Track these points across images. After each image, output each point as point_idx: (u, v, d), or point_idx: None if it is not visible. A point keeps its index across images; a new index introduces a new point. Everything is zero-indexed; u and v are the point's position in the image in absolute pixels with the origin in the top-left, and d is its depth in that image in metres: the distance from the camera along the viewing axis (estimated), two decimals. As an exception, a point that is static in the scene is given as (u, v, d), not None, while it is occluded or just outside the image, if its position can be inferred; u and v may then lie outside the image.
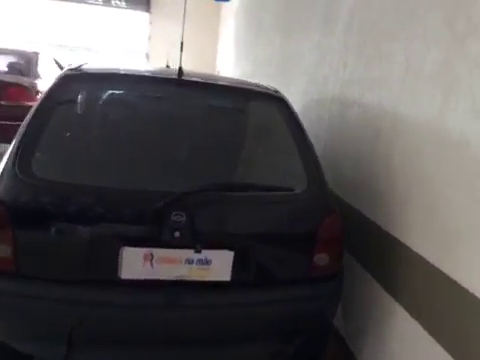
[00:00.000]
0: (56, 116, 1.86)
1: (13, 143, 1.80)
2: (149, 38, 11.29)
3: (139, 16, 10.85)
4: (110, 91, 2.04)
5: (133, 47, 11.47)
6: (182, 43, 2.19)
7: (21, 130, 1.81)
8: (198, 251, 1.72)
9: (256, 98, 2.21)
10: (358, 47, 2.67)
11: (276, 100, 2.19)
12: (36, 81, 6.27)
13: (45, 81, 6.53)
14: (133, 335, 1.79)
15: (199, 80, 2.23)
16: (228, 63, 8.96)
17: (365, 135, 2.46)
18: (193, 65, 7.55)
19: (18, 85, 6.09)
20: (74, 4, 10.79)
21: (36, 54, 6.95)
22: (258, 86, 2.32)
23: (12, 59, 6.75)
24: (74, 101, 1.95)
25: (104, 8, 10.45)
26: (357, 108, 2.61)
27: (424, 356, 1.83)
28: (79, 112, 1.93)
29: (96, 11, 10.71)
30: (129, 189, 1.74)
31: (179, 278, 1.76)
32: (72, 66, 2.12)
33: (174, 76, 2.08)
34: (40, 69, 6.71)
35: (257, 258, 1.83)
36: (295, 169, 2.00)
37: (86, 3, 10.65)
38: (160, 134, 1.96)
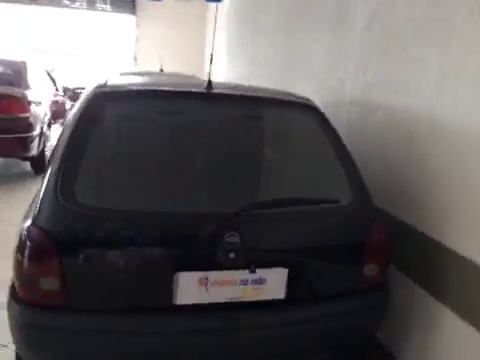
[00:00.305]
0: (94, 137, 1.79)
1: (51, 168, 1.72)
2: (136, 40, 11.17)
3: (125, 19, 10.70)
4: (146, 108, 1.97)
5: (120, 50, 11.33)
6: (212, 55, 2.13)
7: (58, 154, 1.74)
8: (253, 271, 1.68)
9: (290, 108, 2.17)
10: (381, 50, 2.64)
11: (310, 109, 2.15)
12: (27, 92, 6.12)
13: (35, 91, 6.40)
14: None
15: (233, 93, 2.17)
16: (219, 65, 8.89)
17: (396, 139, 2.43)
18: (181, 68, 7.45)
19: (11, 97, 5.92)
20: (58, 9, 10.59)
21: (24, 63, 6.78)
22: (290, 95, 2.27)
23: (0, 69, 6.57)
24: (110, 121, 1.88)
25: (89, 12, 10.25)
26: (383, 111, 2.59)
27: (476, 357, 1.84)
28: (117, 132, 1.87)
29: (81, 15, 10.51)
30: (179, 212, 1.68)
31: (234, 300, 1.71)
32: (101, 83, 2.05)
33: (204, 89, 2.03)
34: (29, 79, 6.56)
35: (310, 273, 1.80)
36: (338, 180, 1.97)
37: (70, 8, 10.46)
38: (202, 152, 1.91)
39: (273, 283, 1.74)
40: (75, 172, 1.68)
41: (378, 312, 1.97)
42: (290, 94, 2.30)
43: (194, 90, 2.05)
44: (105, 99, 1.93)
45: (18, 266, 1.62)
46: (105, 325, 1.62)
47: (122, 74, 6.26)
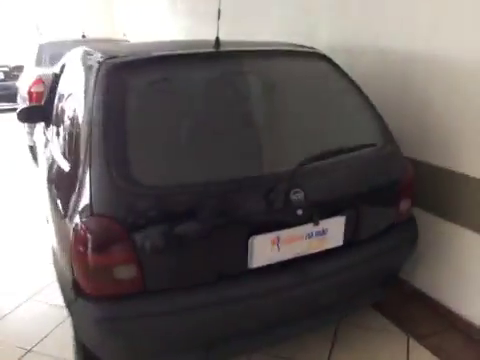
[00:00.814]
0: (131, 113, 1.67)
1: (92, 152, 1.59)
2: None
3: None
4: (168, 77, 1.85)
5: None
6: (219, 10, 2.03)
7: (98, 135, 1.60)
8: (317, 224, 1.72)
9: (305, 59, 2.18)
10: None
11: (323, 58, 2.17)
12: None
13: None
14: (268, 321, 1.78)
15: (252, 49, 2.13)
16: (138, 24, 8.44)
17: (390, 81, 2.52)
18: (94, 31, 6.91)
19: None
20: None
21: None
22: (297, 46, 2.27)
23: None
24: (139, 93, 1.75)
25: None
26: (371, 55, 2.66)
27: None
28: (152, 104, 1.74)
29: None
30: (241, 177, 1.65)
31: (301, 254, 1.76)
32: (108, 56, 1.88)
33: (213, 49, 1.96)
34: None
35: (361, 216, 1.88)
36: (368, 124, 2.04)
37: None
38: (240, 114, 1.86)
39: (333, 232, 1.80)
40: (126, 153, 1.57)
41: (413, 241, 2.12)
42: (296, 45, 2.29)
43: (212, 51, 1.96)
44: (124, 71, 1.79)
45: (83, 261, 1.51)
46: (186, 302, 1.59)
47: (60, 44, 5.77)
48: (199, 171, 1.64)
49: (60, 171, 1.97)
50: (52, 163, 2.25)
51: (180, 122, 1.75)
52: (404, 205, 2.05)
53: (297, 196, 1.66)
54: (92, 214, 1.51)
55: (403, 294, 2.54)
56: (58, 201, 1.87)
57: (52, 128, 2.48)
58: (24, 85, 5.68)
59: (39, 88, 5.16)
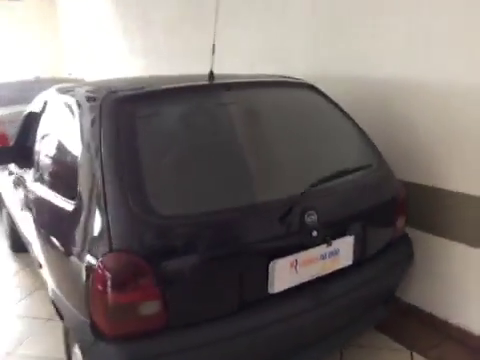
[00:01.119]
0: (141, 145, 1.65)
1: (106, 187, 1.55)
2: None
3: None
4: (171, 109, 1.87)
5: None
6: (214, 45, 2.09)
7: (112, 170, 1.57)
8: (330, 244, 1.76)
9: (297, 89, 2.26)
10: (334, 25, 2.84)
11: (311, 88, 2.26)
12: None
13: None
14: (289, 346, 1.77)
15: (244, 80, 2.19)
16: (88, 63, 8.39)
17: (370, 105, 2.66)
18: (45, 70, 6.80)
19: None
20: None
21: None
22: (285, 77, 2.36)
23: None
24: (146, 125, 1.74)
25: None
26: (348, 82, 2.80)
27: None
28: (160, 136, 1.74)
29: None
30: (256, 202, 1.66)
31: (316, 276, 1.77)
32: (109, 91, 1.87)
33: (206, 81, 2.01)
34: None
35: (367, 235, 1.93)
36: (361, 147, 2.14)
37: None
38: (244, 142, 1.89)
39: (344, 252, 1.84)
40: (141, 185, 1.55)
41: (411, 256, 2.20)
42: (284, 76, 2.38)
43: (215, 83, 2.00)
44: (129, 104, 1.78)
45: (104, 300, 1.44)
46: (210, 335, 1.55)
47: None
48: (215, 199, 1.63)
49: (57, 210, 1.88)
50: (41, 204, 2.15)
51: (190, 152, 1.75)
52: (400, 222, 2.14)
53: (311, 218, 1.69)
54: (111, 250, 1.46)
55: (398, 310, 2.60)
56: (59, 241, 1.79)
57: (37, 168, 2.38)
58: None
59: (-6, 130, 4.95)
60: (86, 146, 1.74)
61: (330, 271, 1.81)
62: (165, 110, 1.85)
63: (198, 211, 1.57)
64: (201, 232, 1.55)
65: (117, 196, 1.51)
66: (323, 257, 1.77)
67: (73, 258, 1.61)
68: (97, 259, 1.47)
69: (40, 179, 2.30)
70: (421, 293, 2.55)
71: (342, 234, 1.82)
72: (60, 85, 2.60)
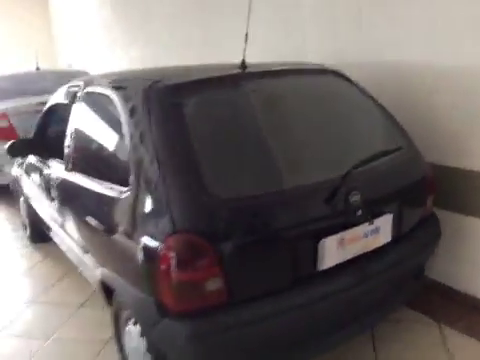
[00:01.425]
0: (192, 132, 1.72)
1: (165, 172, 1.62)
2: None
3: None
4: (213, 96, 1.92)
5: None
6: (246, 34, 2.15)
7: (171, 155, 1.64)
8: (371, 223, 1.84)
9: (323, 75, 2.33)
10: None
11: (338, 74, 2.33)
12: None
13: None
14: (337, 320, 1.86)
15: (278, 68, 2.26)
16: (86, 54, 8.34)
17: (388, 92, 2.73)
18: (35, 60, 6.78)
19: None
20: None
21: None
22: (312, 64, 2.44)
23: None
24: (193, 112, 1.80)
25: None
26: (364, 68, 2.87)
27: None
28: (207, 123, 1.80)
29: None
30: (306, 184, 1.74)
31: (359, 253, 1.86)
32: (152, 81, 1.93)
33: (239, 70, 2.09)
34: None
35: (402, 214, 2.02)
36: (391, 129, 2.22)
37: None
38: (287, 127, 1.96)
39: (384, 229, 1.92)
40: (199, 169, 1.62)
41: (439, 234, 2.30)
42: (309, 63, 2.45)
43: (251, 71, 2.07)
44: (176, 93, 1.85)
45: (171, 279, 1.52)
46: (268, 309, 1.63)
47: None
48: (265, 181, 1.71)
49: (106, 197, 1.94)
50: (82, 193, 2.21)
51: (237, 137, 1.82)
52: (429, 201, 2.23)
53: (355, 198, 1.77)
54: (175, 232, 1.53)
55: (423, 287, 2.71)
56: (113, 226, 1.85)
57: (70, 159, 2.42)
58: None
59: (3, 123, 4.94)
60: (135, 135, 1.80)
61: (371, 248, 1.90)
62: (208, 98, 1.91)
63: (251, 193, 1.65)
64: (256, 213, 1.63)
65: (177, 181, 1.58)
66: (366, 235, 1.85)
67: (133, 241, 1.67)
68: (162, 240, 1.54)
69: (76, 169, 2.35)
70: (445, 270, 2.66)
71: (381, 213, 1.90)
72: (87, 77, 2.64)
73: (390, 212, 1.93)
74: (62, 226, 2.62)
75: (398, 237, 2.02)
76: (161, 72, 2.33)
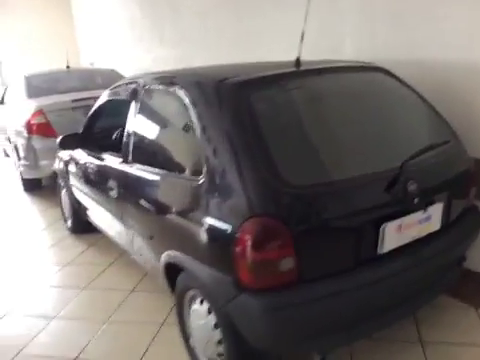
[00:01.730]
0: (263, 123, 1.86)
1: (242, 161, 1.77)
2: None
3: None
4: (276, 91, 2.08)
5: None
6: (303, 33, 2.29)
7: (247, 146, 1.79)
8: (425, 210, 1.98)
9: (372, 72, 2.47)
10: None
11: (385, 72, 2.47)
12: None
13: None
14: (394, 297, 2.00)
15: (331, 65, 2.42)
16: (109, 52, 8.52)
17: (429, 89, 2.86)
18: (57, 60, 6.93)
19: None
20: None
21: None
22: (361, 62, 2.57)
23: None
24: (261, 106, 1.95)
25: None
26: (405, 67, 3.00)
27: None
28: (274, 115, 1.95)
29: None
30: (368, 173, 1.88)
31: (414, 238, 2.00)
32: (219, 78, 2.09)
33: (314, 67, 2.33)
34: None
35: (450, 203, 2.15)
36: (438, 124, 2.35)
37: None
38: (348, 119, 2.11)
39: (435, 217, 2.06)
40: (272, 158, 1.76)
41: (479, 224, 2.43)
42: (358, 61, 2.59)
43: (308, 68, 2.23)
44: (244, 88, 1.99)
45: (250, 259, 1.66)
46: (334, 287, 1.77)
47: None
48: (334, 169, 1.86)
49: (177, 186, 2.11)
50: (149, 183, 2.37)
51: (304, 129, 1.97)
52: (472, 193, 2.36)
53: (413, 187, 1.90)
54: (253, 215, 1.68)
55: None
56: (186, 213, 2.01)
57: (132, 152, 2.59)
58: (16, 118, 5.58)
59: (41, 119, 5.12)
60: (208, 129, 1.94)
61: (424, 234, 2.04)
62: (273, 93, 2.06)
63: (320, 181, 1.79)
64: (324, 199, 1.77)
65: (253, 169, 1.73)
66: (420, 222, 1.99)
67: (211, 225, 1.82)
68: (240, 223, 1.68)
69: (139, 161, 2.51)
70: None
71: (433, 202, 2.04)
72: (144, 75, 2.79)
73: (440, 201, 2.06)
74: (118, 215, 2.77)
75: (446, 225, 2.15)
76: (219, 70, 2.48)
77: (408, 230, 1.95)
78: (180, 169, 2.15)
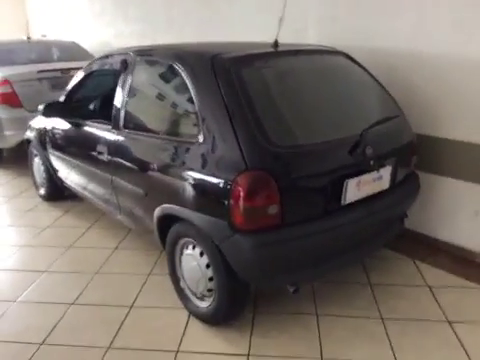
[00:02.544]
0: (252, 93, 2.22)
1: (237, 125, 2.12)
2: None
3: None
4: (262, 67, 2.47)
5: None
6: (281, 18, 2.66)
7: (242, 111, 2.14)
8: (378, 171, 2.45)
9: (336, 56, 2.91)
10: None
11: (344, 54, 2.92)
12: None
13: None
14: (351, 242, 2.47)
15: (303, 48, 2.84)
16: (63, 25, 8.45)
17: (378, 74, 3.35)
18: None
19: None
20: None
21: None
22: (325, 46, 3.01)
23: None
24: (253, 78, 2.32)
25: None
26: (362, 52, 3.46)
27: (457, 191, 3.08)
28: (263, 87, 2.33)
29: None
30: (339, 137, 2.32)
31: (369, 194, 2.46)
32: (213, 53, 2.42)
33: (273, 48, 2.64)
34: None
35: (397, 167, 2.63)
36: (389, 101, 2.83)
37: None
38: (318, 93, 2.54)
39: (385, 178, 2.53)
40: (262, 122, 2.13)
41: (419, 186, 2.95)
42: (323, 46, 3.01)
43: (286, 49, 2.63)
44: (237, 63, 2.36)
45: (243, 204, 2.03)
46: (308, 230, 2.19)
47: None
48: (310, 134, 2.27)
49: (172, 147, 2.43)
50: (138, 146, 2.69)
51: (287, 99, 2.36)
52: (413, 160, 2.87)
53: (370, 151, 2.35)
54: (247, 169, 2.05)
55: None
56: (184, 169, 2.32)
57: (121, 119, 2.87)
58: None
59: (7, 89, 5.15)
60: (205, 97, 2.28)
61: (376, 191, 2.50)
62: (258, 68, 2.45)
63: (301, 142, 2.21)
64: (304, 157, 2.18)
65: (246, 131, 2.09)
66: (374, 180, 2.45)
67: (209, 178, 2.16)
68: (236, 176, 2.05)
69: (132, 127, 2.79)
70: (415, 218, 3.35)
71: (384, 165, 2.50)
72: (136, 47, 3.05)
73: (390, 165, 2.54)
74: (107, 177, 3.03)
75: (393, 186, 2.63)
76: (209, 47, 2.80)
77: (365, 187, 2.40)
78: (176, 133, 2.48)
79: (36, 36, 9.32)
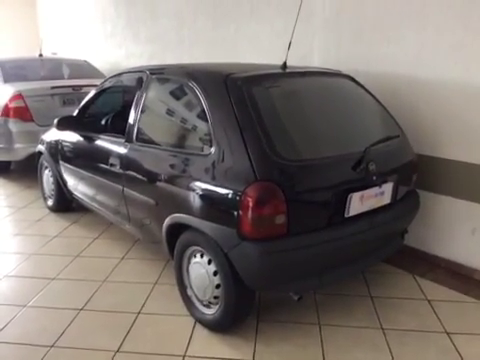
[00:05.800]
0: (262, 111, 2.36)
1: (248, 139, 2.25)
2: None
3: None
4: (272, 87, 2.61)
5: None
6: (290, 43, 2.83)
7: (250, 126, 2.27)
8: (380, 187, 2.56)
9: (340, 78, 3.06)
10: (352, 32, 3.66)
11: (348, 77, 3.07)
12: None
13: None
14: (353, 253, 2.57)
15: (310, 70, 2.99)
16: (75, 44, 8.70)
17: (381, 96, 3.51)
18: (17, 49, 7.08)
19: None
20: None
21: None
22: (330, 69, 3.16)
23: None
24: (263, 97, 2.47)
25: None
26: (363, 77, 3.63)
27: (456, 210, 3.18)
28: (272, 105, 2.47)
29: None
30: (343, 153, 2.44)
31: (371, 208, 2.57)
32: (227, 73, 2.57)
33: (282, 70, 2.80)
34: None
35: (398, 184, 2.75)
36: (390, 121, 2.97)
37: None
38: (324, 111, 2.68)
39: (387, 193, 2.64)
40: (272, 138, 2.26)
41: (419, 203, 3.06)
42: (329, 69, 3.17)
43: (294, 71, 2.79)
44: (248, 82, 2.50)
45: (252, 214, 2.14)
46: (313, 240, 2.29)
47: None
48: (317, 149, 2.41)
49: (183, 160, 2.56)
50: (150, 158, 2.82)
51: (295, 116, 2.50)
52: (414, 178, 2.99)
53: (373, 167, 2.47)
54: (256, 180, 2.17)
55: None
56: (194, 180, 2.44)
57: (135, 132, 3.00)
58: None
59: (19, 103, 5.31)
60: (218, 113, 2.41)
61: (378, 206, 2.61)
62: (268, 87, 2.60)
63: (307, 157, 2.33)
64: (310, 171, 2.30)
65: (256, 145, 2.22)
66: (376, 195, 2.57)
67: (218, 188, 2.27)
68: (246, 186, 2.16)
69: (144, 141, 2.93)
70: (415, 235, 3.44)
71: (386, 181, 2.62)
72: (151, 66, 3.22)
73: (391, 181, 2.65)
74: (118, 188, 3.14)
75: (394, 201, 2.75)
76: (222, 67, 2.95)
77: (367, 201, 2.52)
78: (189, 146, 2.61)
79: (47, 53, 9.61)
